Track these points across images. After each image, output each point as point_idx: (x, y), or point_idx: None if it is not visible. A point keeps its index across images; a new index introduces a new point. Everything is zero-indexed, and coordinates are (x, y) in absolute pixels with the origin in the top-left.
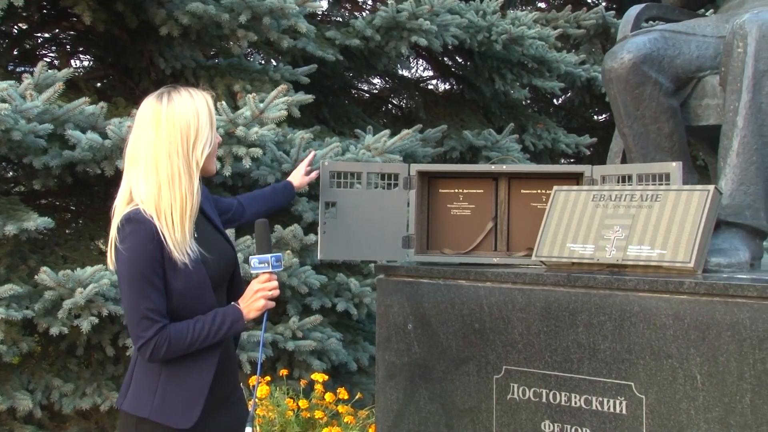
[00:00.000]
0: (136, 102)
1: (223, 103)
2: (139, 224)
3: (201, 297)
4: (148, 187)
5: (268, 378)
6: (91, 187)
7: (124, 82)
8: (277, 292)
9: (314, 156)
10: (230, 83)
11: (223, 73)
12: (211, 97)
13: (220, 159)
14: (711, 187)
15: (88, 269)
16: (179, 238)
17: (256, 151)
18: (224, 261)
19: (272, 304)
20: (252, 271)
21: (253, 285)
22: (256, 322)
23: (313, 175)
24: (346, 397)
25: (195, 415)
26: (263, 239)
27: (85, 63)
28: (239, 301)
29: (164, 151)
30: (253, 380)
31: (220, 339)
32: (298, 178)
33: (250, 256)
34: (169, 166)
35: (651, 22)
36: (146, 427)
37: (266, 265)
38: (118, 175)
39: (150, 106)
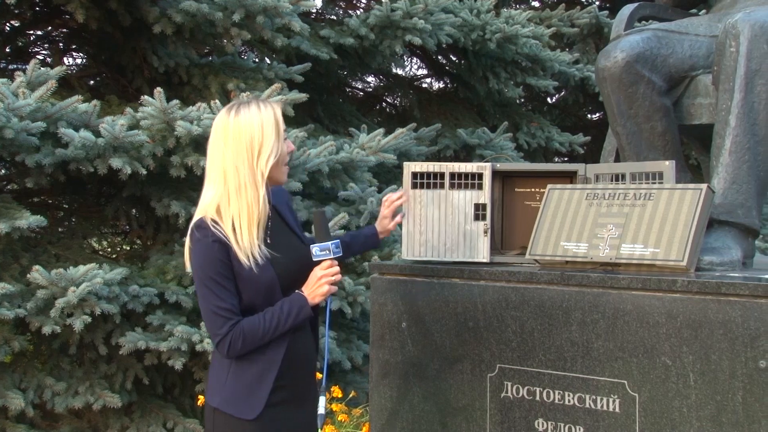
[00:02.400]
0: (129, 100)
1: (217, 101)
2: (206, 231)
3: (270, 294)
4: (217, 196)
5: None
6: (84, 185)
7: (117, 80)
8: (339, 277)
9: (398, 205)
10: (224, 81)
11: (217, 72)
12: (279, 108)
13: None
14: (704, 186)
15: (81, 268)
16: (246, 243)
17: None
18: (296, 261)
19: (335, 288)
20: (314, 259)
21: (316, 272)
22: (320, 312)
23: (398, 219)
24: (340, 395)
25: (259, 406)
26: (322, 228)
27: (78, 61)
28: (303, 288)
29: (231, 162)
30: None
31: (291, 326)
32: (383, 225)
33: (311, 245)
34: (236, 176)
35: (644, 21)
36: (219, 416)
37: (327, 252)
38: (111, 173)
39: (220, 119)
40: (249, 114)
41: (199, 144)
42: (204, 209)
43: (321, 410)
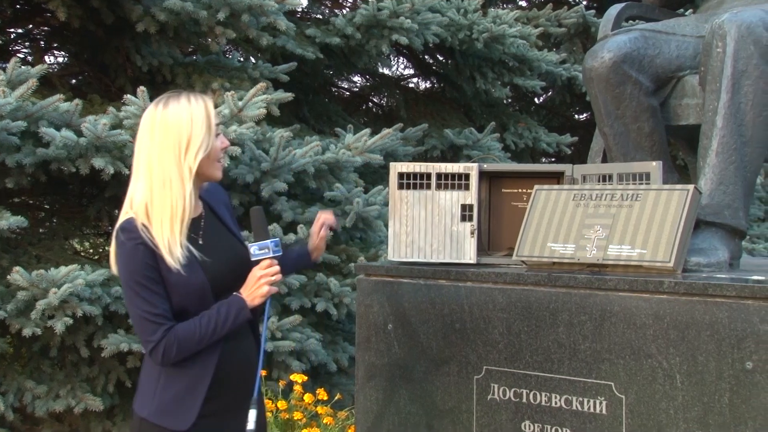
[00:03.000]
0: (112, 99)
1: None
2: (130, 233)
3: (203, 298)
4: (143, 192)
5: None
6: (65, 185)
7: (100, 78)
8: (279, 277)
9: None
10: (208, 81)
11: (201, 71)
12: (211, 100)
13: None
14: (690, 187)
15: (62, 269)
16: (171, 243)
17: (235, 150)
18: (231, 262)
19: (275, 289)
20: (253, 258)
21: (255, 272)
22: (260, 311)
23: (323, 233)
24: (325, 398)
25: (191, 417)
26: (260, 226)
27: (60, 59)
28: (242, 290)
29: (157, 157)
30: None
31: (229, 329)
32: (311, 243)
33: (249, 244)
34: (161, 171)
35: (631, 21)
36: (146, 427)
37: (267, 250)
38: (94, 173)
39: (148, 111)
40: (178, 107)
41: None
42: (129, 208)
43: (250, 425)
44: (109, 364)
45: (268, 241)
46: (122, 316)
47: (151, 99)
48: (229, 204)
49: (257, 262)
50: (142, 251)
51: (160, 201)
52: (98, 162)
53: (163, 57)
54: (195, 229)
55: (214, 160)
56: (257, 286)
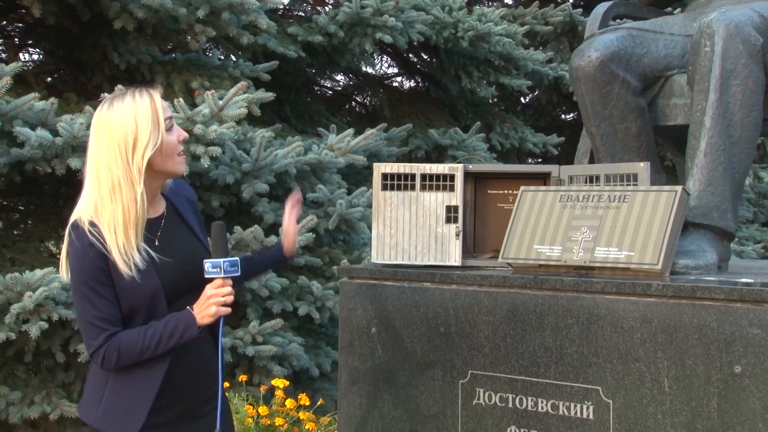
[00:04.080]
0: (88, 98)
1: (181, 100)
2: (80, 233)
3: (154, 303)
4: (92, 197)
5: (226, 384)
6: (41, 186)
7: (76, 77)
8: (230, 299)
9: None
10: (188, 79)
11: (181, 69)
12: (158, 93)
13: None
14: (678, 188)
15: (38, 272)
16: (123, 248)
17: (215, 150)
18: (188, 264)
19: (226, 310)
20: (206, 276)
21: (207, 290)
22: (213, 328)
23: (295, 228)
24: (307, 403)
25: (136, 426)
26: (217, 242)
27: (35, 57)
28: (194, 306)
29: (103, 161)
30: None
31: (173, 345)
32: (287, 240)
33: (205, 261)
34: (108, 176)
35: (618, 19)
36: None
37: (218, 270)
38: (70, 174)
39: (95, 114)
40: (122, 107)
41: None
42: (80, 211)
43: None
44: (85, 370)
45: (222, 260)
46: None
47: None
48: (195, 202)
49: (211, 279)
50: (93, 253)
51: (110, 207)
52: (75, 162)
53: (142, 55)
54: (153, 231)
55: (170, 155)
56: (206, 305)
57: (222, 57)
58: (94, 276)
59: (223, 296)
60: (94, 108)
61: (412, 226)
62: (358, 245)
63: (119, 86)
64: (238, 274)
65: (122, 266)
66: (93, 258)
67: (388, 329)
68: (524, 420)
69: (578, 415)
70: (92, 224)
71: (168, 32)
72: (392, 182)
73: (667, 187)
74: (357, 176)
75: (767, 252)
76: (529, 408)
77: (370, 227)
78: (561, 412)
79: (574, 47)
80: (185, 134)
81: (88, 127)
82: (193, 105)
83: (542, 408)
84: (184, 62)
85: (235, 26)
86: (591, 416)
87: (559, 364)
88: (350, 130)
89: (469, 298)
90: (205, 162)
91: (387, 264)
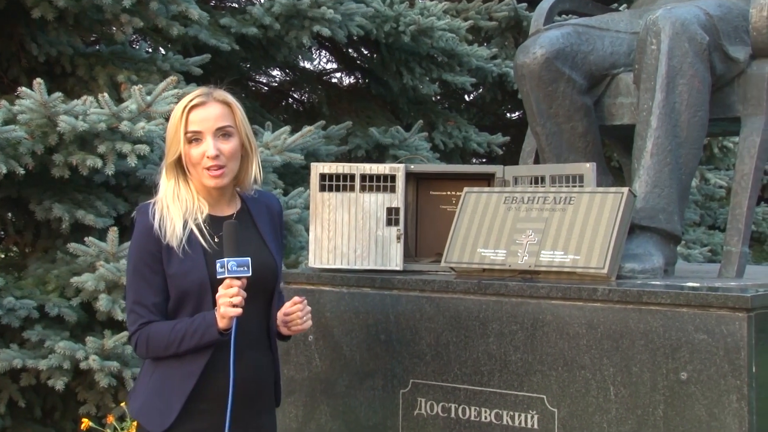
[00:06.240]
0: (4, 92)
1: (105, 95)
2: (142, 216)
3: (201, 297)
4: (162, 182)
5: None
6: None
7: None
8: (239, 299)
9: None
10: (113, 73)
11: (105, 62)
12: (188, 102)
13: (101, 156)
14: (625, 190)
15: None
16: (177, 229)
17: (143, 148)
18: (255, 270)
19: (235, 311)
20: (217, 277)
21: (219, 291)
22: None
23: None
24: None
25: (166, 423)
26: (227, 242)
27: None
28: None
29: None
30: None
31: (195, 346)
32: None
33: (217, 260)
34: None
35: (564, 15)
36: (137, 424)
37: (224, 270)
38: None
39: None
40: (177, 105)
41: (86, 141)
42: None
43: None
44: (0, 383)
45: (227, 259)
46: (15, 329)
47: (49, 92)
48: (276, 212)
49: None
50: (148, 237)
51: (172, 195)
52: None
53: (63, 46)
54: (216, 228)
55: (194, 166)
56: (218, 307)
57: (150, 49)
58: (144, 260)
59: (231, 297)
60: (10, 102)
61: (351, 228)
62: (295, 249)
63: (138, 87)
64: (248, 274)
65: (175, 251)
66: (146, 241)
67: (326, 337)
68: (467, 430)
69: (523, 424)
70: (155, 206)
71: (91, 22)
72: (331, 183)
73: (613, 189)
74: (294, 176)
75: (714, 255)
76: (472, 418)
77: (307, 230)
78: (505, 422)
79: (519, 43)
80: (213, 151)
81: (4, 123)
82: (119, 100)
83: (485, 418)
84: (109, 55)
85: (164, 17)
86: (536, 425)
87: (503, 372)
88: (287, 128)
89: (410, 304)
90: (132, 161)
91: (325, 269)
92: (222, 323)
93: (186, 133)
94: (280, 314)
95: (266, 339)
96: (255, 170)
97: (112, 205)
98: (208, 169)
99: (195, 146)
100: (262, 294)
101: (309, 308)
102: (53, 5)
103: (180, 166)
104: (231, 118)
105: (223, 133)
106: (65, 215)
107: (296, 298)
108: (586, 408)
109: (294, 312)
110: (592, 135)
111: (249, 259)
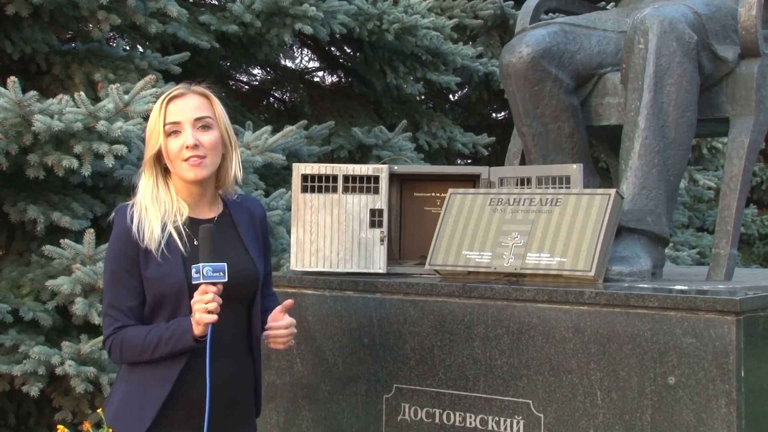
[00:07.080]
0: None
1: (82, 93)
2: (120, 218)
3: (179, 302)
4: (141, 182)
5: None
6: None
7: None
8: (214, 305)
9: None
10: (90, 71)
11: (82, 60)
12: (166, 98)
13: (77, 157)
14: (612, 191)
15: None
16: (154, 231)
17: (120, 149)
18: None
19: (209, 317)
20: (192, 282)
21: (195, 297)
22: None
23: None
24: None
25: (142, 428)
26: (202, 246)
27: None
28: None
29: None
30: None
31: (171, 351)
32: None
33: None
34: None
35: (551, 13)
36: (112, 431)
37: (198, 275)
38: None
39: None
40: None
41: (61, 141)
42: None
43: None
44: None
45: (202, 264)
46: None
47: (24, 91)
48: (260, 217)
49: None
50: (125, 240)
51: (149, 196)
52: None
53: (38, 44)
54: (196, 232)
55: (173, 159)
56: (193, 313)
57: (128, 47)
58: (121, 263)
59: (206, 303)
60: None
61: (334, 230)
62: (277, 251)
63: (116, 86)
64: (224, 280)
65: (152, 254)
66: (125, 244)
67: (307, 341)
68: None
69: (508, 430)
70: (133, 208)
71: (67, 19)
72: (313, 184)
73: (600, 191)
74: (275, 177)
75: (703, 258)
76: (457, 423)
77: (289, 232)
78: (490, 428)
79: (505, 42)
80: (192, 141)
81: None
82: (96, 99)
83: (470, 423)
84: (86, 52)
85: (142, 14)
86: (522, 431)
87: (488, 377)
88: (268, 128)
89: (394, 308)
90: (110, 161)
91: (307, 271)
92: (197, 330)
93: (165, 125)
94: (269, 318)
95: (245, 346)
96: (236, 168)
97: (88, 207)
98: (186, 160)
99: (174, 138)
100: (241, 300)
101: (295, 330)
102: (28, 2)
103: (160, 164)
104: (210, 109)
105: (202, 124)
106: (40, 217)
107: (288, 302)
108: (573, 413)
109: (279, 329)
110: (578, 135)
111: (225, 264)
